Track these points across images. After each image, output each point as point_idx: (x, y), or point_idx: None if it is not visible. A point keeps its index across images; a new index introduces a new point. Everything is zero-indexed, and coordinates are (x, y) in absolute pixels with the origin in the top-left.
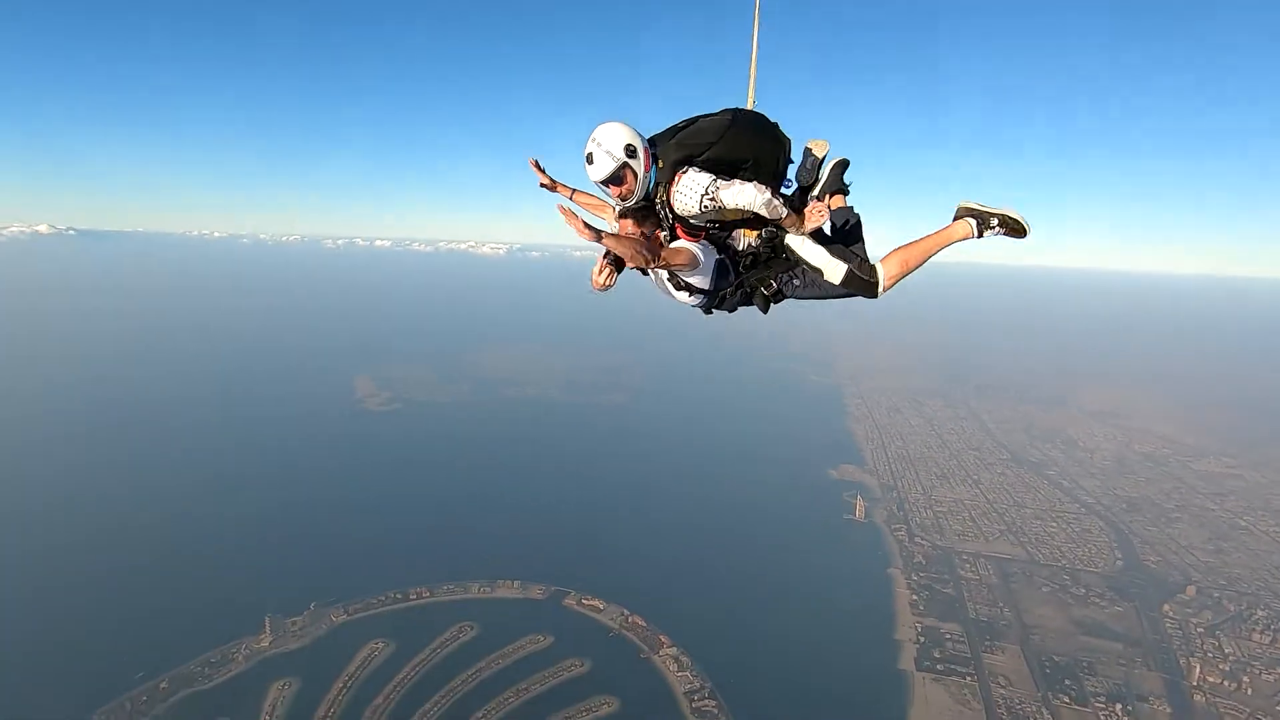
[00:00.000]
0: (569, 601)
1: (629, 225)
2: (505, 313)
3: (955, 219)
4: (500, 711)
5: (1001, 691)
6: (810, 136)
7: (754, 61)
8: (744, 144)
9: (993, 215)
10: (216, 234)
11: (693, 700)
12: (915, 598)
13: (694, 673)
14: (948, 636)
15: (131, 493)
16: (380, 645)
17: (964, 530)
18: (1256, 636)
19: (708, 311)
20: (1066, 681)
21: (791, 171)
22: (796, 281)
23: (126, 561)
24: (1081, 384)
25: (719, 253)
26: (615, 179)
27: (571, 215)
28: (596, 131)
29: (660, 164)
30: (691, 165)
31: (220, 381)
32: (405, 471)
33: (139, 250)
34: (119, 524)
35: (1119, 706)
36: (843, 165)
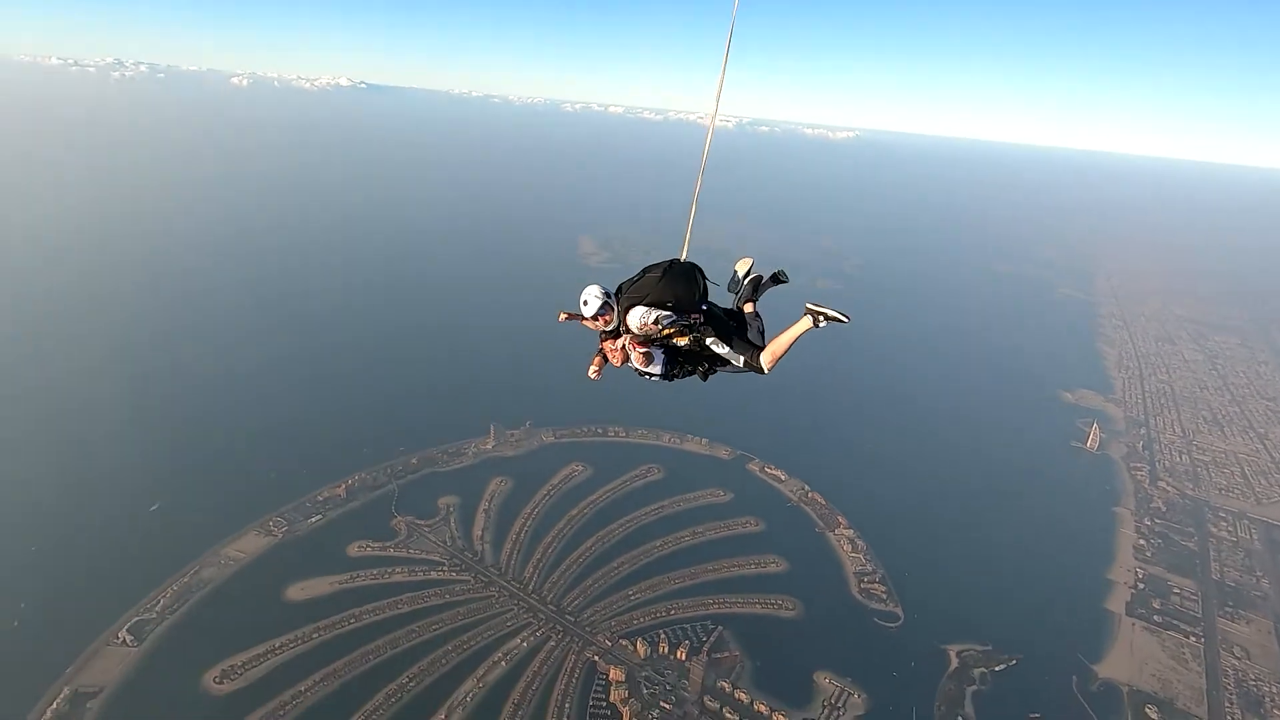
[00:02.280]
0: (752, 466)
1: (611, 346)
2: (727, 185)
3: (803, 315)
4: (675, 546)
5: (1234, 662)
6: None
7: (693, 210)
8: (668, 290)
9: (823, 313)
10: (475, 93)
11: (862, 581)
12: (1143, 542)
13: (867, 556)
14: (1175, 590)
15: (409, 310)
16: (579, 467)
17: (1228, 485)
18: None
19: (668, 379)
20: None
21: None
22: (718, 366)
23: (390, 355)
24: None
25: (664, 353)
26: (601, 312)
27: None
28: (589, 290)
29: (622, 306)
30: (636, 305)
31: (471, 221)
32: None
33: (416, 104)
34: (407, 332)
35: None
36: (756, 280)
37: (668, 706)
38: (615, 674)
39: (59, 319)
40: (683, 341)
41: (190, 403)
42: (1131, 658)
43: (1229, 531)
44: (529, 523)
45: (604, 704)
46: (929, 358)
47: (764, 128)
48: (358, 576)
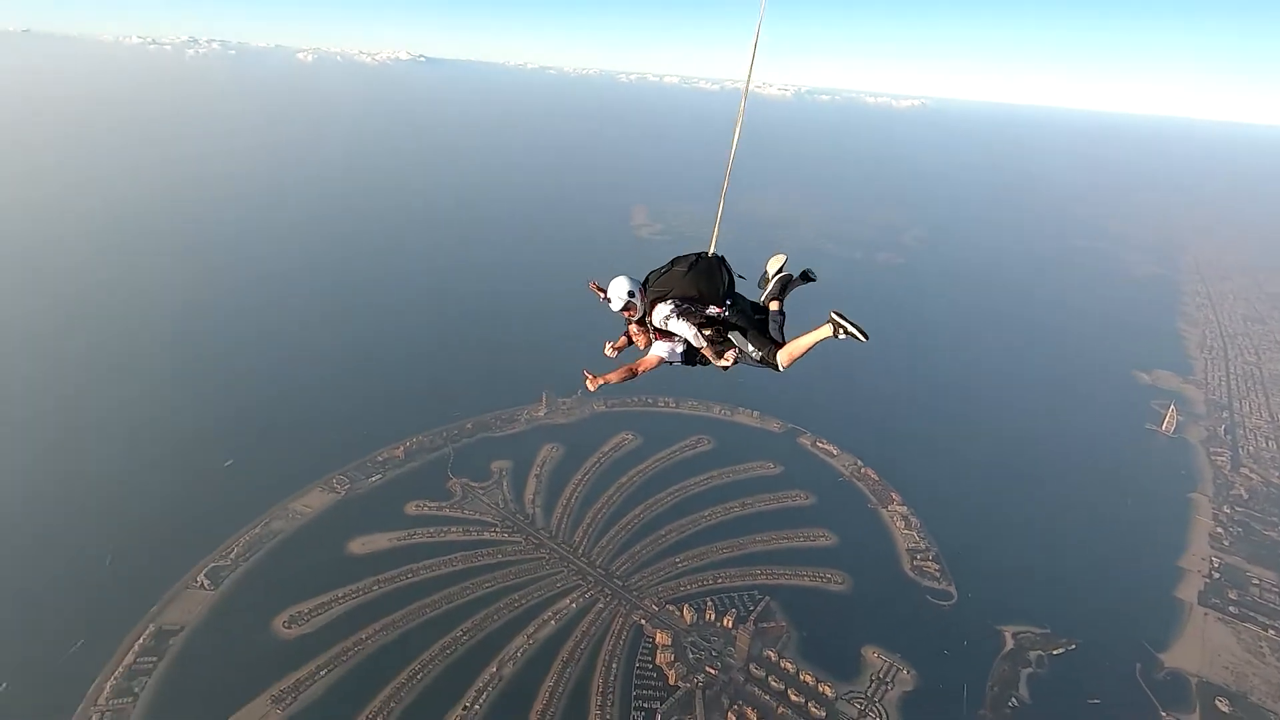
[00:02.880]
0: (803, 440)
1: (637, 329)
2: (785, 156)
3: (826, 322)
4: (723, 517)
5: None
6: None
7: (720, 211)
8: (693, 284)
9: (844, 326)
10: (529, 65)
11: (915, 558)
12: (1220, 530)
13: (921, 534)
14: (1255, 581)
15: (465, 280)
16: (629, 436)
17: None
18: None
19: (690, 365)
20: None
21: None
22: (740, 360)
23: (446, 324)
24: None
25: (685, 341)
26: (626, 307)
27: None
28: (616, 283)
29: (647, 299)
30: (662, 300)
31: (524, 191)
32: None
33: (472, 76)
34: (463, 302)
35: None
36: (786, 278)
37: (713, 671)
38: (662, 638)
39: (138, 283)
40: (705, 333)
41: (262, 369)
42: (1203, 648)
43: None
44: (579, 489)
45: (650, 666)
46: (993, 335)
47: (824, 96)
48: (415, 534)
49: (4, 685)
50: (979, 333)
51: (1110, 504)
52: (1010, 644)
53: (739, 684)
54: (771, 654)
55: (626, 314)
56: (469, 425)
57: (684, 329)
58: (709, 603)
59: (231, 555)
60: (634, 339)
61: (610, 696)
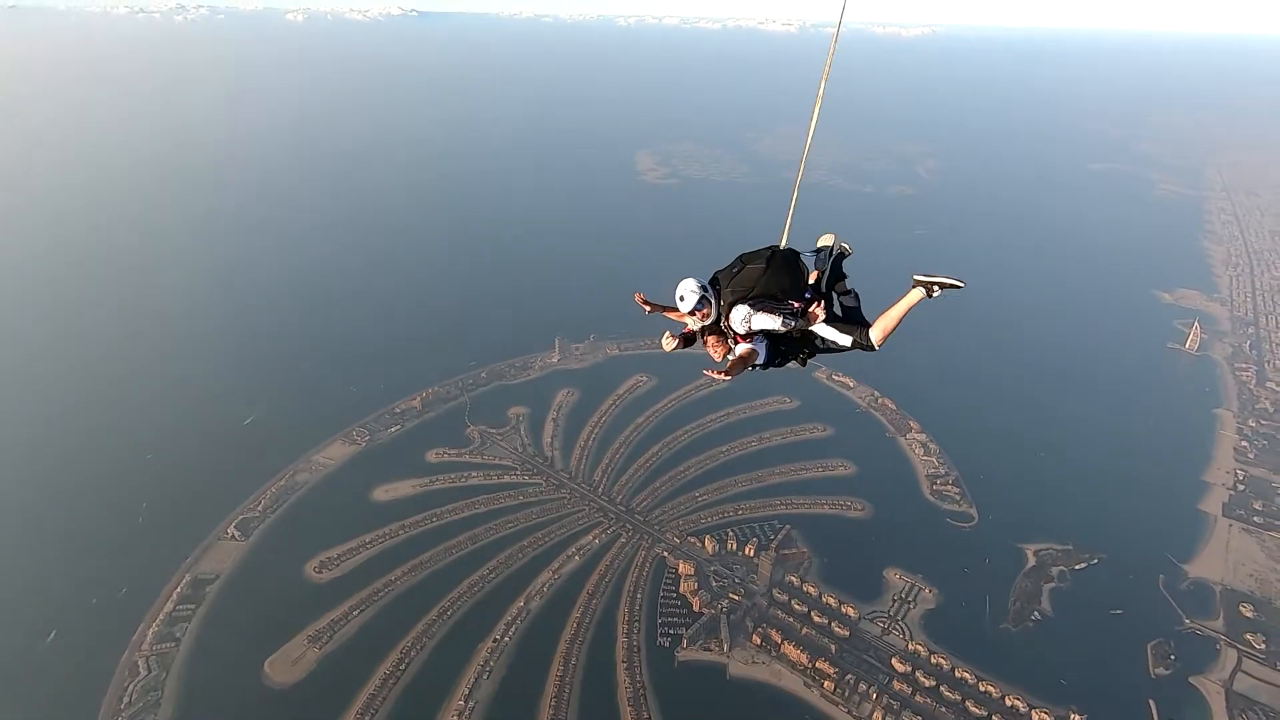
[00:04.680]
0: (819, 374)
1: (713, 340)
2: (792, 92)
3: (912, 288)
4: (741, 451)
5: None
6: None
7: (792, 206)
8: (773, 282)
9: (936, 282)
10: (524, 14)
11: (934, 483)
12: (1245, 444)
13: (940, 460)
14: None
15: (471, 230)
16: (644, 379)
17: None
18: None
19: (767, 366)
20: None
21: (813, 262)
22: (820, 348)
23: (453, 273)
24: None
25: (768, 340)
26: (699, 308)
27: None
28: (685, 284)
29: (722, 302)
30: (742, 302)
31: (528, 146)
32: (672, 242)
33: (466, 28)
34: (469, 252)
35: None
36: (841, 256)
37: (736, 598)
38: (684, 568)
39: (157, 248)
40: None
41: (277, 326)
42: (1226, 558)
43: None
44: (596, 430)
45: (674, 595)
46: (1009, 261)
47: (830, 29)
48: (437, 480)
49: (53, 634)
50: (994, 259)
51: (1133, 422)
52: (1032, 561)
53: (763, 608)
54: (794, 579)
55: (698, 318)
56: (483, 374)
57: (769, 321)
58: (730, 533)
59: (259, 507)
60: (711, 353)
61: (636, 625)
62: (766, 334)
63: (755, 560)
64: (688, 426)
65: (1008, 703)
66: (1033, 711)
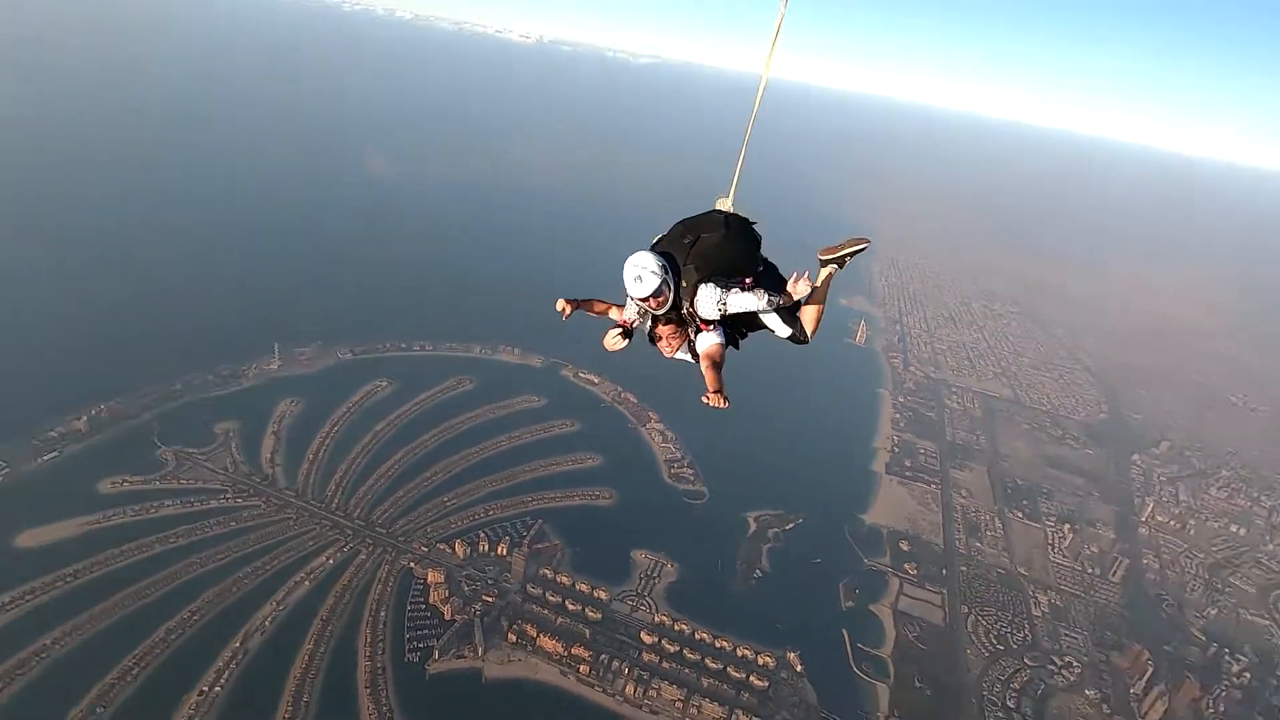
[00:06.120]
0: (565, 373)
1: (668, 331)
2: (533, 103)
3: (822, 266)
4: (491, 452)
5: (961, 501)
6: None
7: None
8: (734, 253)
9: (845, 254)
10: None
11: (672, 467)
12: (898, 416)
13: (676, 445)
14: (921, 451)
15: (155, 215)
16: (383, 383)
17: (959, 367)
18: (1214, 492)
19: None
20: (1024, 501)
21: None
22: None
23: (130, 271)
24: (1108, 254)
25: (721, 325)
26: (658, 292)
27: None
28: (640, 259)
29: (684, 283)
30: (708, 281)
31: (248, 137)
32: (407, 241)
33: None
34: (152, 245)
35: (1067, 526)
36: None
37: (490, 599)
38: (433, 576)
39: None
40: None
41: None
42: (889, 506)
43: (958, 402)
44: (328, 441)
45: (424, 606)
46: None
47: (566, 47)
48: (114, 515)
49: None
50: None
51: (823, 403)
52: (753, 527)
53: (517, 605)
54: (547, 571)
55: (652, 305)
56: (176, 387)
57: (750, 301)
58: (482, 535)
59: None
60: (664, 347)
61: (380, 645)
62: (723, 320)
63: (508, 559)
64: (433, 430)
65: (739, 654)
66: (758, 656)
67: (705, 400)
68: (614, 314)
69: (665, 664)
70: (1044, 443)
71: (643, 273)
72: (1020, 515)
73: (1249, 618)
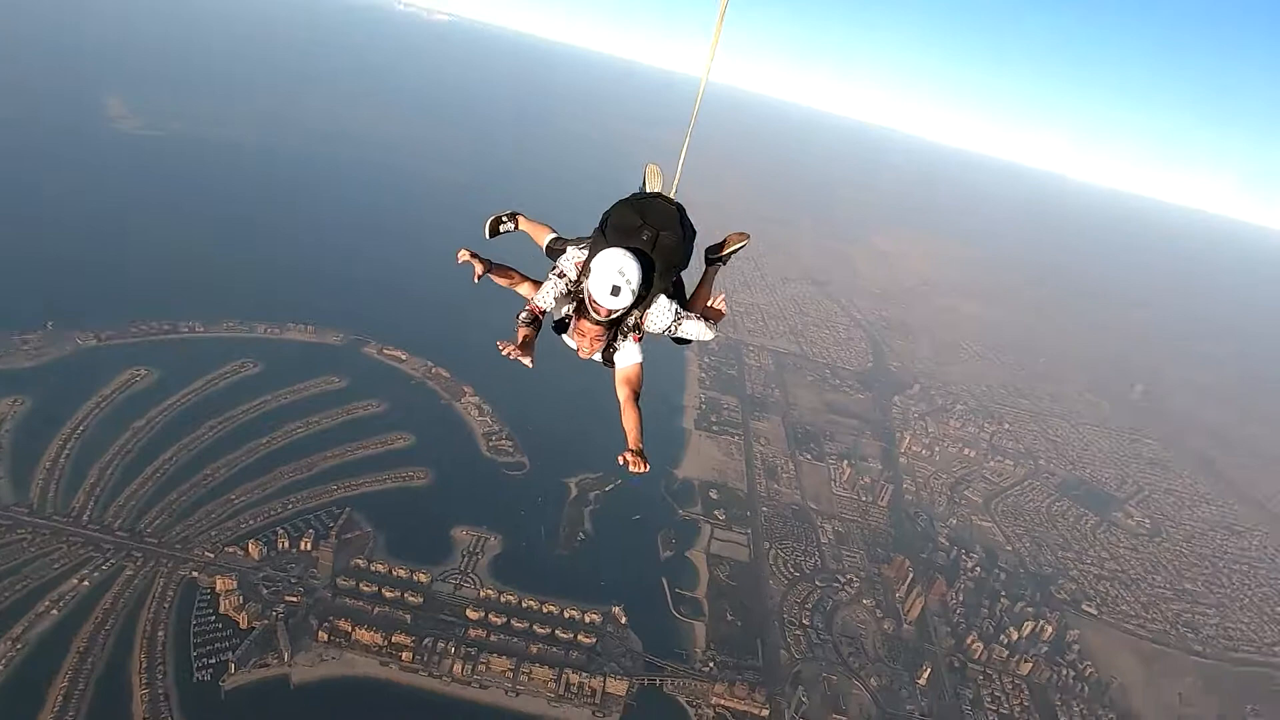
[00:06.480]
0: (369, 350)
1: (598, 331)
2: (304, 62)
3: (707, 265)
4: (285, 441)
5: (760, 448)
6: None
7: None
8: (685, 255)
9: (725, 248)
10: None
11: (490, 440)
12: (703, 375)
13: (494, 419)
14: (725, 406)
15: None
16: (142, 372)
17: (755, 328)
18: (952, 423)
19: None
20: (811, 444)
21: None
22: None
23: None
24: (879, 229)
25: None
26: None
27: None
28: (625, 265)
29: (652, 293)
30: (666, 294)
31: None
32: (170, 203)
33: None
34: None
35: (845, 462)
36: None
37: (294, 599)
38: (223, 583)
39: None
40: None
41: None
42: (699, 459)
43: (755, 360)
44: (70, 444)
45: (213, 617)
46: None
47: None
48: None
49: None
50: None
51: None
52: (575, 491)
53: (327, 601)
54: (360, 561)
55: (604, 312)
56: None
57: (699, 332)
58: (281, 531)
59: None
60: (582, 346)
61: (160, 669)
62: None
63: (314, 553)
64: (212, 422)
65: (566, 615)
66: (585, 615)
67: (624, 459)
68: (525, 290)
69: (493, 637)
70: (825, 391)
71: (623, 285)
72: (809, 457)
73: (979, 523)
